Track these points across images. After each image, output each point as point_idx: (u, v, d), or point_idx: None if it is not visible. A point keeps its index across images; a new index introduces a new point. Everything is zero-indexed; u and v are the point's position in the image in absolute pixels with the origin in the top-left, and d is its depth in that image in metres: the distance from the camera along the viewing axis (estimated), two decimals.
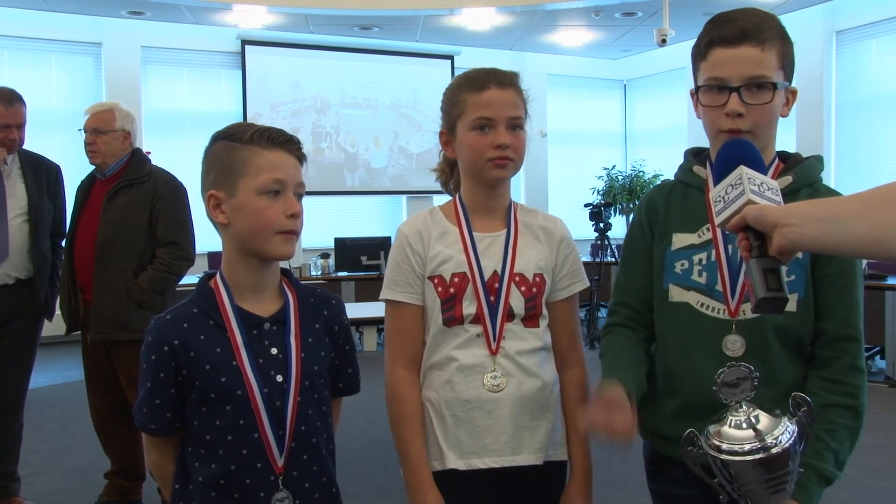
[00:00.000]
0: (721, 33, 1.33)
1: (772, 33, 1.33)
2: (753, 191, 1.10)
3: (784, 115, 1.38)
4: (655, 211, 1.48)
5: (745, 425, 1.17)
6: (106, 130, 3.08)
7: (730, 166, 1.15)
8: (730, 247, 1.37)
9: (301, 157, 1.37)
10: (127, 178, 3.05)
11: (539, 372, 1.55)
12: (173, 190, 3.07)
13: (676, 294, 1.41)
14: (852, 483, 3.38)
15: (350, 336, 1.50)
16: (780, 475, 1.16)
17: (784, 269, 1.12)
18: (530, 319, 1.55)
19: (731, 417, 1.19)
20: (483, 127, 1.50)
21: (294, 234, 1.33)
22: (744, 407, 1.19)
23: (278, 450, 1.32)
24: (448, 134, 1.59)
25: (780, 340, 1.35)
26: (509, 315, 1.53)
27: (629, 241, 1.54)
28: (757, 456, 1.14)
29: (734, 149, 1.20)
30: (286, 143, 1.34)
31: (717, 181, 1.17)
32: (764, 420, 1.16)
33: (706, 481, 1.22)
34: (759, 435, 1.15)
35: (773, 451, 1.14)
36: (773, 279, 1.07)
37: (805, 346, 1.37)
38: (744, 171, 1.12)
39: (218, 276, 1.38)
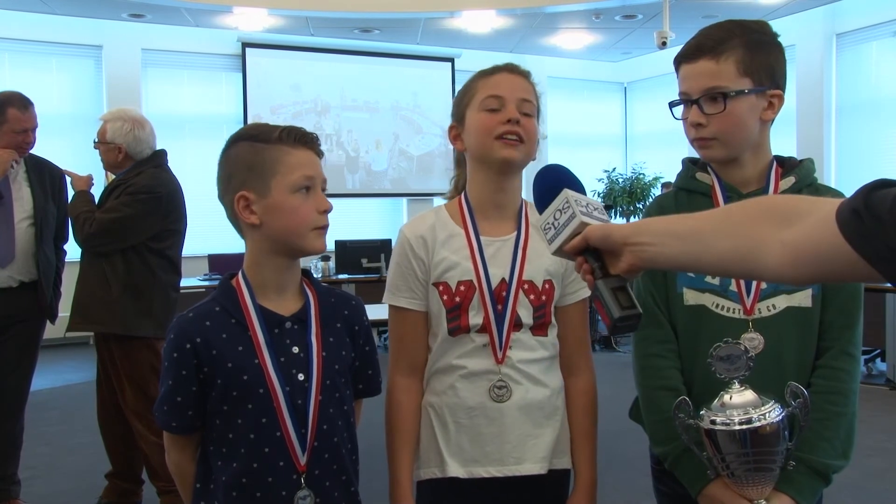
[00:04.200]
0: (683, 51, 1.41)
1: (732, 44, 1.36)
2: (582, 212, 1.09)
3: (766, 119, 1.41)
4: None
5: (734, 399, 1.23)
6: (100, 140, 3.11)
7: (551, 193, 1.14)
8: None
9: (321, 154, 1.40)
10: (119, 180, 3.08)
11: (545, 380, 1.51)
12: (137, 189, 3.00)
13: (691, 297, 1.42)
14: (853, 485, 3.38)
15: (370, 337, 1.49)
16: (762, 452, 1.21)
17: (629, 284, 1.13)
18: (539, 328, 1.50)
19: (722, 392, 1.25)
20: (493, 109, 1.47)
21: (326, 228, 1.36)
22: (736, 384, 1.25)
23: (300, 448, 1.32)
24: (457, 126, 1.54)
25: (798, 336, 1.37)
26: (517, 324, 1.48)
27: None
28: (740, 427, 1.20)
29: (550, 175, 1.19)
30: (311, 141, 1.37)
31: (540, 209, 1.16)
32: (752, 397, 1.23)
33: (695, 453, 1.28)
34: (745, 408, 1.22)
35: (756, 424, 1.20)
36: (624, 297, 1.04)
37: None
38: (568, 194, 1.11)
39: (240, 275, 1.38)
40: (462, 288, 1.48)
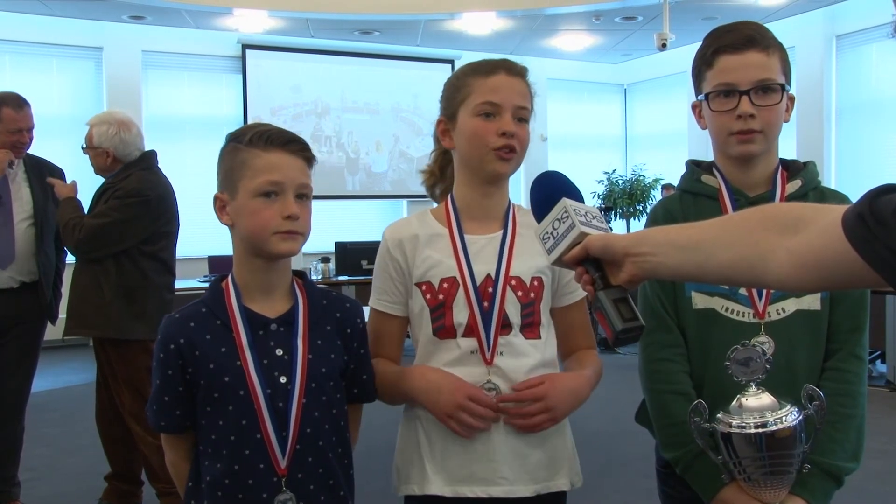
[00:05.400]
0: (727, 41, 1.38)
1: (773, 41, 1.39)
2: (582, 221, 1.07)
3: (785, 121, 1.43)
4: (674, 220, 1.46)
5: (751, 402, 1.23)
6: (88, 145, 3.10)
7: (548, 201, 1.11)
8: None
9: (308, 159, 1.35)
10: (108, 184, 3.07)
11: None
12: (126, 192, 2.99)
13: (700, 301, 1.41)
14: (854, 487, 3.36)
15: (366, 341, 1.46)
16: (779, 455, 1.22)
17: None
18: (529, 328, 1.44)
19: (739, 396, 1.25)
20: (489, 114, 1.42)
21: (293, 233, 1.32)
22: (753, 387, 1.25)
23: (280, 451, 1.31)
24: (447, 122, 1.49)
25: (807, 339, 1.37)
26: (506, 325, 1.42)
27: None
28: (756, 430, 1.20)
29: (547, 183, 1.15)
30: (287, 143, 1.33)
31: (538, 218, 1.13)
32: (769, 400, 1.23)
33: (711, 457, 1.28)
34: (761, 411, 1.22)
35: (772, 427, 1.20)
36: (625, 309, 1.02)
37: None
38: (567, 203, 1.09)
39: (230, 276, 1.38)
40: (445, 285, 1.43)
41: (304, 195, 1.33)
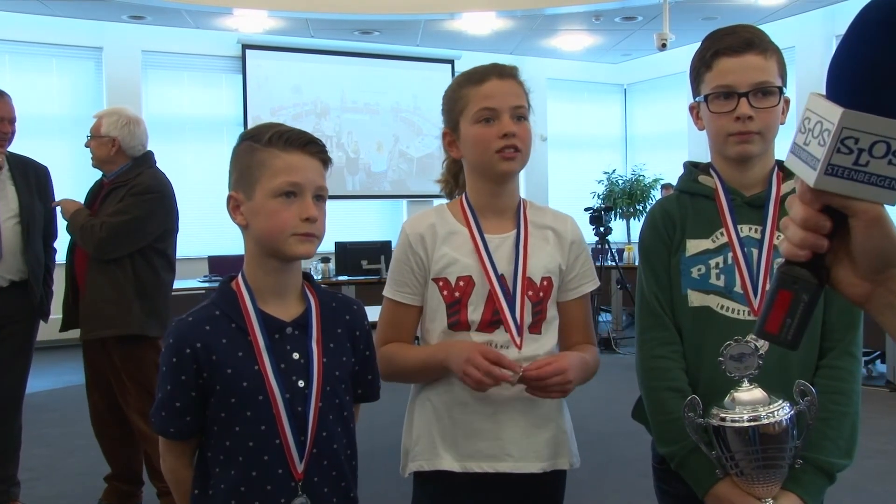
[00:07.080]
0: (726, 44, 1.40)
1: (770, 44, 1.42)
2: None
3: (782, 123, 1.45)
4: (671, 220, 1.49)
5: (743, 397, 1.25)
6: (94, 135, 3.11)
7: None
8: (746, 249, 1.41)
9: (325, 161, 1.35)
10: (118, 181, 3.07)
11: None
12: (143, 189, 3.00)
13: (696, 299, 1.43)
14: (853, 487, 3.38)
15: (371, 342, 1.47)
16: (770, 450, 1.23)
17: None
18: (535, 325, 1.52)
19: (732, 391, 1.26)
20: (488, 119, 1.48)
21: (311, 235, 1.31)
22: (745, 383, 1.26)
23: (299, 456, 1.30)
24: (451, 133, 1.56)
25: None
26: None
27: (650, 253, 1.51)
28: (748, 424, 1.22)
29: None
30: (306, 144, 1.32)
31: (844, 81, 0.69)
32: (761, 395, 1.24)
33: (703, 452, 1.30)
34: (753, 405, 1.23)
35: (764, 421, 1.21)
36: (804, 320, 0.74)
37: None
38: None
39: (240, 277, 1.36)
40: (461, 283, 1.50)
41: (320, 197, 1.33)
